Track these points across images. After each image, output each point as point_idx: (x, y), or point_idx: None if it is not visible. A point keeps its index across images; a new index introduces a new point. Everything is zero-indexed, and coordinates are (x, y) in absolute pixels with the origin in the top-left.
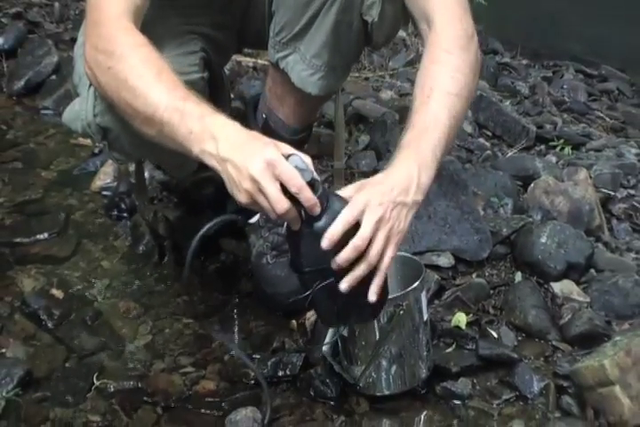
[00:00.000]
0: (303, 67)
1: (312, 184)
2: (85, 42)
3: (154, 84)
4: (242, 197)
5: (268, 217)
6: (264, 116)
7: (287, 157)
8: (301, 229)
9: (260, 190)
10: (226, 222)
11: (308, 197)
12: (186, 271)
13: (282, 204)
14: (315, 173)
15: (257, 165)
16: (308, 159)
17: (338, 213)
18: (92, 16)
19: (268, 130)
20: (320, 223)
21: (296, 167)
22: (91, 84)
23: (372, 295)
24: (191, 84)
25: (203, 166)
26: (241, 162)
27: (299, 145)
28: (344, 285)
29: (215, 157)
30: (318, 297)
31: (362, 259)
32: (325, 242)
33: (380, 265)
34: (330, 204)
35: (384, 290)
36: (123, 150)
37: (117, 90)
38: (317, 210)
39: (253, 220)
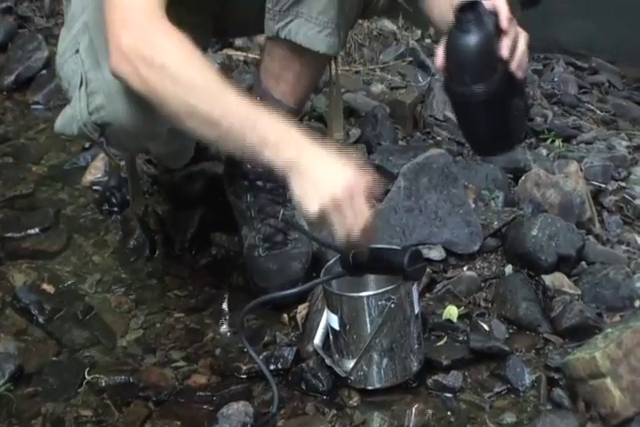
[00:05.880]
0: (310, 26)
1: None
2: (115, 43)
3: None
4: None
5: None
6: None
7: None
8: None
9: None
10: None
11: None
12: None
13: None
14: None
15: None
16: None
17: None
18: (117, 14)
19: None
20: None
21: None
22: (81, 84)
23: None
24: None
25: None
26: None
27: None
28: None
29: (292, 165)
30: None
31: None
32: (504, 21)
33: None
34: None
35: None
36: (120, 144)
37: (170, 95)
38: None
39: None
